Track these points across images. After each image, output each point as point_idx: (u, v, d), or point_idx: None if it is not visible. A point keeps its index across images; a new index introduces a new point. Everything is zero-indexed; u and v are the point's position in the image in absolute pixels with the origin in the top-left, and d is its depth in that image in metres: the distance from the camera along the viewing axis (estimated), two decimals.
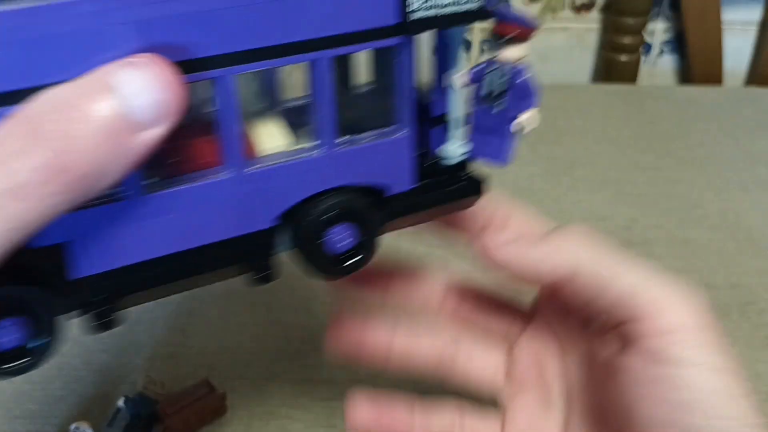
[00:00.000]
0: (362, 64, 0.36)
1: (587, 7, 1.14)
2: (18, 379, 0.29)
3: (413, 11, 0.29)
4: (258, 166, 0.30)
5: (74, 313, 0.29)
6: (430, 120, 0.34)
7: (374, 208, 0.33)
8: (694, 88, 1.13)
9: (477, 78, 0.33)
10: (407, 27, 0.29)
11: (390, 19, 0.29)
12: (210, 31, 0.26)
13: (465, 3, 0.30)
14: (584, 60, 1.17)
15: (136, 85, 0.24)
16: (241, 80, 0.28)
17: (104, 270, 0.28)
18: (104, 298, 0.29)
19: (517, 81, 0.32)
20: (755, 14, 1.17)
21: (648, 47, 1.18)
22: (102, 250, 0.28)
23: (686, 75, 1.19)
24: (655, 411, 0.32)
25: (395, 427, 0.41)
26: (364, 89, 0.37)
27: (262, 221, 0.30)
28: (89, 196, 0.24)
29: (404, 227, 0.35)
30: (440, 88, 0.34)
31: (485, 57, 0.33)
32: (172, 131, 0.25)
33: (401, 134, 0.32)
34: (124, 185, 0.27)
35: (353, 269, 0.33)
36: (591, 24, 1.15)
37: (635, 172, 0.84)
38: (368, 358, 0.42)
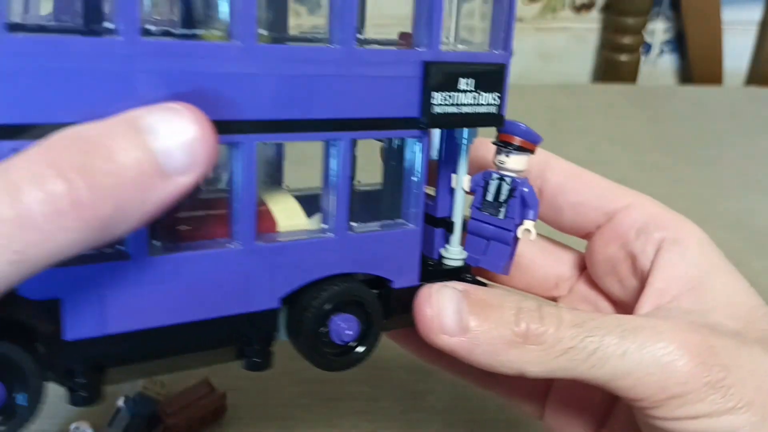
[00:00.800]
0: (374, 155, 0.36)
1: (587, 7, 1.14)
2: None
3: (435, 105, 0.30)
4: (272, 241, 0.29)
5: (61, 379, 0.27)
6: (433, 221, 0.34)
7: (379, 300, 0.32)
8: (694, 87, 1.13)
9: (480, 184, 0.34)
10: (428, 121, 0.30)
11: (413, 111, 0.30)
12: (241, 96, 0.26)
13: (482, 106, 0.31)
14: (584, 60, 1.17)
15: (170, 129, 0.23)
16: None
17: (99, 335, 0.26)
18: (94, 367, 0.27)
19: (524, 190, 0.33)
20: (755, 14, 1.17)
21: (648, 47, 1.18)
22: (99, 313, 0.26)
23: (686, 75, 1.19)
24: None
25: None
26: (369, 185, 0.36)
27: (269, 300, 0.29)
28: (104, 240, 0.23)
29: (407, 325, 0.33)
30: (444, 190, 0.34)
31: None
32: (189, 192, 0.24)
33: (411, 227, 0.32)
34: (132, 242, 0.26)
35: (355, 362, 0.31)
36: (591, 24, 1.15)
37: (635, 172, 0.84)
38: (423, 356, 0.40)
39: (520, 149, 0.33)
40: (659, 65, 1.20)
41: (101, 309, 0.26)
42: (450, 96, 0.30)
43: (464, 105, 0.30)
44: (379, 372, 0.46)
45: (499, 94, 0.31)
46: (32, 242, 0.21)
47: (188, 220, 0.28)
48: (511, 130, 0.32)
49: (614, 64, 1.13)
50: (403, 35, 0.32)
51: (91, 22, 0.26)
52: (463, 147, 0.33)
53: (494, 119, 0.32)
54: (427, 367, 0.56)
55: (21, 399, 0.25)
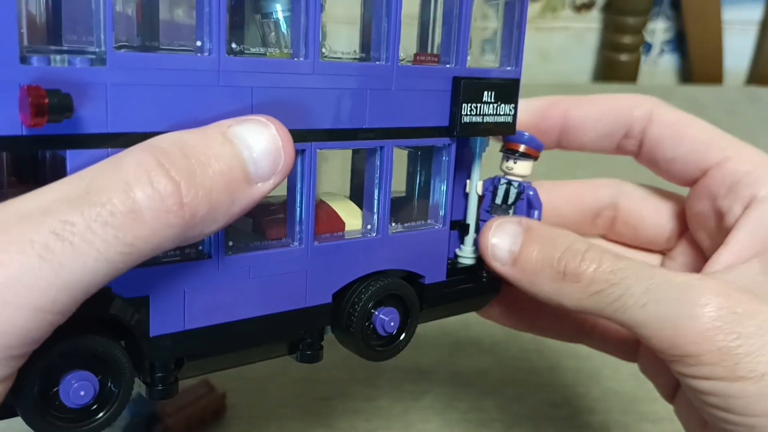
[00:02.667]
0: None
1: (587, 6, 1.14)
2: None
3: (464, 116, 0.33)
4: (328, 240, 0.32)
5: (142, 373, 0.28)
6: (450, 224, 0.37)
7: (416, 294, 0.35)
8: (694, 87, 1.13)
9: (489, 188, 0.37)
10: (458, 130, 0.33)
11: (444, 120, 0.33)
12: (307, 107, 0.29)
13: (500, 116, 0.34)
14: (584, 59, 1.17)
15: (256, 139, 0.25)
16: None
17: (180, 330, 0.28)
18: (176, 362, 0.29)
19: (530, 193, 0.36)
20: (755, 14, 1.17)
21: (648, 47, 1.18)
22: (181, 309, 0.28)
23: (686, 74, 1.19)
24: None
25: None
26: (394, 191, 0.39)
27: (323, 296, 0.32)
28: (194, 238, 0.25)
29: (433, 319, 0.37)
30: (458, 195, 0.36)
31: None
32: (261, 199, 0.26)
33: (440, 227, 0.35)
34: (213, 241, 0.28)
35: (399, 350, 0.34)
36: (591, 23, 1.15)
37: (635, 171, 0.84)
38: (511, 320, 0.41)
39: (525, 156, 0.36)
40: (659, 65, 1.20)
41: (183, 306, 0.28)
42: (476, 107, 0.33)
43: (487, 115, 0.34)
44: (377, 372, 0.46)
45: (514, 106, 0.35)
46: (141, 236, 0.22)
47: (261, 218, 0.31)
48: (516, 139, 0.36)
49: (614, 64, 1.13)
50: (418, 55, 0.34)
51: (148, 40, 0.28)
52: (478, 154, 0.36)
53: (509, 128, 0.35)
54: (424, 367, 0.56)
55: (115, 391, 0.26)
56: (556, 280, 0.33)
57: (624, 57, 1.13)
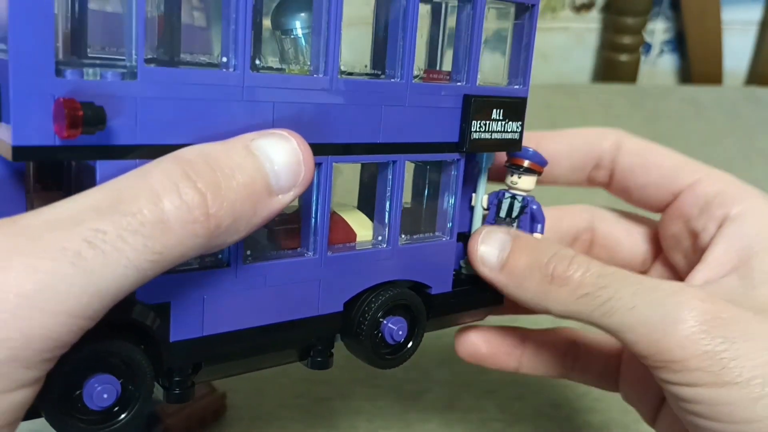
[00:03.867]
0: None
1: (587, 6, 1.14)
2: None
3: (473, 132, 0.34)
4: (341, 251, 0.33)
5: (161, 377, 0.29)
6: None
7: (424, 303, 0.36)
8: (694, 87, 1.13)
9: (494, 202, 0.38)
10: (467, 146, 0.34)
11: (454, 136, 0.34)
12: (324, 122, 0.30)
13: (507, 133, 0.35)
14: (584, 60, 1.17)
15: (278, 153, 0.26)
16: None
17: (198, 336, 0.29)
18: (193, 366, 0.30)
19: (533, 207, 0.37)
20: (755, 14, 1.17)
21: (648, 47, 1.18)
22: (199, 316, 0.29)
23: (686, 75, 1.19)
24: None
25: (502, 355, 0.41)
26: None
27: (334, 304, 0.33)
28: (216, 248, 0.25)
29: (439, 328, 0.38)
30: (463, 208, 0.38)
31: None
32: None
33: (447, 239, 0.36)
34: (232, 250, 0.29)
35: (406, 358, 0.35)
36: (591, 24, 1.15)
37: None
38: (499, 363, 0.42)
39: (529, 171, 0.37)
40: (659, 65, 1.20)
41: (201, 312, 0.29)
42: (485, 124, 0.35)
43: (495, 132, 0.35)
44: (378, 372, 0.46)
45: (521, 123, 0.36)
46: (168, 245, 0.23)
47: (276, 228, 0.32)
48: (521, 154, 0.37)
49: (614, 64, 1.13)
50: (428, 72, 0.36)
51: (169, 52, 0.29)
52: (483, 169, 0.37)
53: (515, 144, 0.36)
54: (425, 367, 0.56)
55: (136, 394, 0.27)
56: (543, 284, 0.33)
57: (624, 57, 1.13)
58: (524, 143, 0.37)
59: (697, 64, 1.16)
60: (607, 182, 0.40)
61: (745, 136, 0.95)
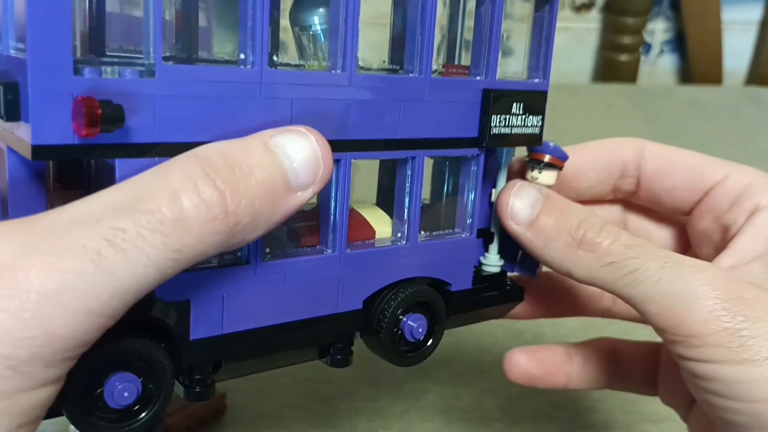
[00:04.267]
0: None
1: (587, 6, 1.14)
2: None
3: (493, 127, 0.34)
4: (360, 248, 0.32)
5: (181, 376, 0.29)
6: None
7: (443, 300, 0.35)
8: (694, 87, 1.13)
9: None
10: (487, 141, 0.34)
11: (473, 131, 0.34)
12: (343, 118, 0.29)
13: (528, 127, 0.35)
14: (584, 60, 1.17)
15: (296, 150, 0.26)
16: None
17: (218, 334, 0.29)
18: (213, 364, 0.30)
19: None
20: (755, 14, 1.17)
21: (648, 47, 1.18)
22: (219, 314, 0.29)
23: (686, 74, 1.19)
24: None
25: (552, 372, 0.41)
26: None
27: (354, 302, 0.32)
28: (236, 246, 0.25)
29: (458, 325, 0.38)
30: (483, 203, 0.37)
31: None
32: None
33: (467, 236, 0.36)
34: (252, 248, 0.29)
35: (426, 355, 0.35)
36: (591, 24, 1.15)
37: None
38: (551, 383, 0.42)
39: (550, 166, 0.36)
40: (659, 65, 1.20)
41: (221, 310, 0.29)
42: (505, 118, 0.34)
43: (515, 126, 0.35)
44: (378, 371, 0.46)
45: (541, 117, 0.36)
46: (188, 243, 0.23)
47: (295, 226, 0.32)
48: (541, 149, 0.36)
49: (614, 64, 1.13)
50: (448, 66, 0.35)
51: (186, 48, 0.29)
52: (503, 164, 0.37)
53: (536, 139, 0.36)
54: (425, 367, 0.56)
55: (156, 392, 0.27)
56: (570, 247, 0.33)
57: (624, 57, 1.13)
58: None
59: (697, 64, 1.16)
60: (633, 190, 0.40)
61: (746, 136, 0.95)
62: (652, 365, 0.42)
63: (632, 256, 0.32)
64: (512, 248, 0.37)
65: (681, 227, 0.42)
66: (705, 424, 0.37)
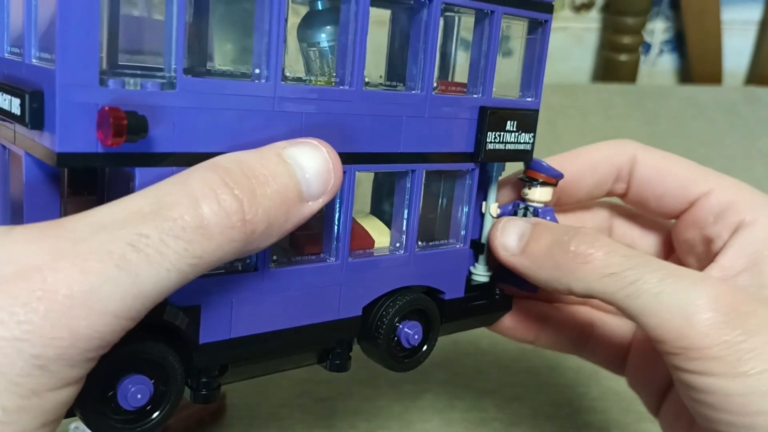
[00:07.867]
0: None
1: (587, 6, 1.14)
2: None
3: (489, 143, 0.35)
4: (361, 256, 0.33)
5: (189, 378, 0.30)
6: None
7: (438, 308, 0.36)
8: (694, 87, 1.13)
9: (508, 213, 0.39)
10: (482, 156, 0.35)
11: (470, 147, 0.35)
12: (349, 131, 0.31)
13: (520, 144, 0.37)
14: (584, 59, 1.17)
15: (309, 161, 0.27)
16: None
17: (226, 338, 0.29)
18: (220, 368, 0.30)
19: (548, 219, 0.38)
20: (755, 14, 1.17)
21: (647, 47, 1.18)
22: (228, 318, 0.29)
23: (686, 74, 1.19)
24: None
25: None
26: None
27: (354, 309, 0.33)
28: (249, 253, 0.26)
29: (450, 332, 0.39)
30: (474, 215, 0.38)
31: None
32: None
33: (462, 246, 0.37)
34: (260, 255, 0.29)
35: (422, 360, 0.36)
36: (591, 24, 1.15)
37: None
38: (518, 336, 0.43)
39: (544, 183, 0.38)
40: (659, 65, 1.20)
41: (230, 315, 0.29)
42: (499, 135, 0.36)
43: (509, 143, 0.36)
44: (377, 372, 0.46)
45: (533, 134, 0.37)
46: (208, 250, 0.24)
47: (300, 234, 0.32)
48: (536, 168, 0.38)
49: (614, 64, 1.13)
50: (443, 83, 0.37)
51: (199, 61, 0.30)
52: (494, 178, 0.38)
53: (527, 155, 0.37)
54: (425, 367, 0.56)
55: (167, 393, 0.28)
56: (565, 261, 0.34)
57: (623, 57, 1.13)
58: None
59: (697, 64, 1.16)
60: (624, 193, 0.41)
61: (745, 136, 0.95)
62: (624, 347, 0.42)
63: (631, 266, 0.32)
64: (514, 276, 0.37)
65: (666, 234, 0.42)
66: (679, 421, 0.37)
